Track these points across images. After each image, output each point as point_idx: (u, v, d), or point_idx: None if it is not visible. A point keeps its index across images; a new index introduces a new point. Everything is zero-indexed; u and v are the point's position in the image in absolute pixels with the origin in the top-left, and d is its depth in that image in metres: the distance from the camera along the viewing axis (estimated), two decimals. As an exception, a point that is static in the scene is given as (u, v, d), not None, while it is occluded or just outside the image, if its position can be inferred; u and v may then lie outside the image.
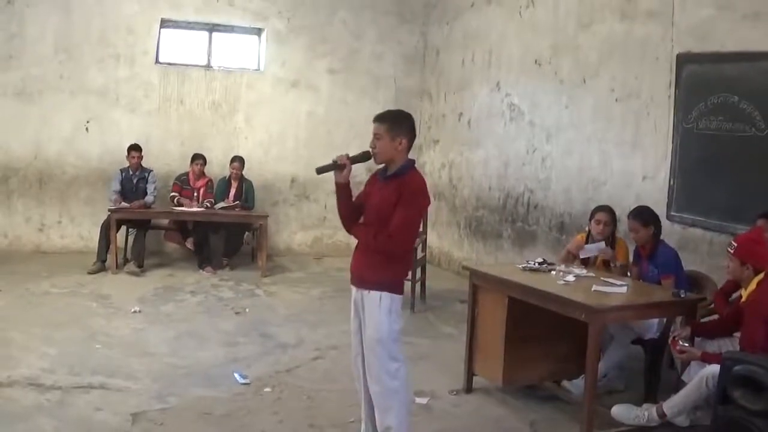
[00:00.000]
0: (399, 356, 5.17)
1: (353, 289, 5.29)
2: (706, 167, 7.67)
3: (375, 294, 5.06)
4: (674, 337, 5.81)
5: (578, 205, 9.38)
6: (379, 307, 5.04)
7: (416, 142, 5.46)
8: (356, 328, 5.29)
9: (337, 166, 5.11)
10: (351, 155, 5.13)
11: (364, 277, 5.15)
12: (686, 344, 5.69)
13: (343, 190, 5.21)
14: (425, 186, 5.14)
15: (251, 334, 8.42)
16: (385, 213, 4.98)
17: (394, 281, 5.11)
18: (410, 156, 5.14)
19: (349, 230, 5.32)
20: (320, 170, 5.21)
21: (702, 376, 5.37)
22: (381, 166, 5.23)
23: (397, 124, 5.10)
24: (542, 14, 10.43)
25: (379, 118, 5.14)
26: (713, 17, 7.60)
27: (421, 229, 9.19)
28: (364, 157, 5.16)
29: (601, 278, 6.53)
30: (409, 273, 8.64)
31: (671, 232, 7.41)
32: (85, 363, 7.11)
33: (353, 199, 5.30)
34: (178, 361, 7.38)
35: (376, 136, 5.09)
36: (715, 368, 5.17)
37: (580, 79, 9.59)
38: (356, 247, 5.30)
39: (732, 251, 5.88)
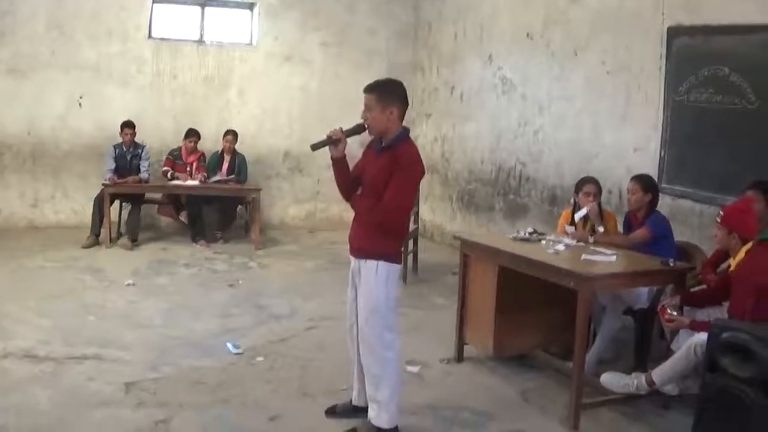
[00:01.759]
0: (394, 327, 5.21)
1: (352, 259, 5.31)
2: (696, 139, 7.70)
3: (372, 263, 5.08)
4: (663, 305, 5.86)
5: (569, 178, 9.35)
6: (375, 275, 5.07)
7: (409, 115, 5.46)
8: (352, 298, 5.33)
9: (331, 141, 5.09)
10: (345, 129, 5.12)
11: (361, 247, 5.18)
12: (674, 313, 5.73)
13: (339, 163, 5.20)
14: (418, 156, 5.12)
15: (244, 305, 8.47)
16: (381, 185, 4.98)
17: (391, 250, 5.13)
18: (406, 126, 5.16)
19: (347, 201, 5.34)
20: (315, 146, 5.20)
21: (690, 344, 5.40)
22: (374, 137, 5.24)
23: (387, 93, 5.07)
24: (534, -14, 10.41)
25: (369, 89, 5.11)
26: (704, -10, 7.62)
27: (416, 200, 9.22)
28: (357, 129, 5.14)
29: (591, 248, 6.58)
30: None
31: (662, 204, 7.40)
32: (79, 334, 7.18)
33: (350, 170, 5.30)
34: (172, 332, 7.44)
35: (367, 107, 5.07)
36: (703, 336, 5.19)
37: (572, 51, 9.59)
38: (354, 217, 5.33)
39: (719, 220, 5.92)
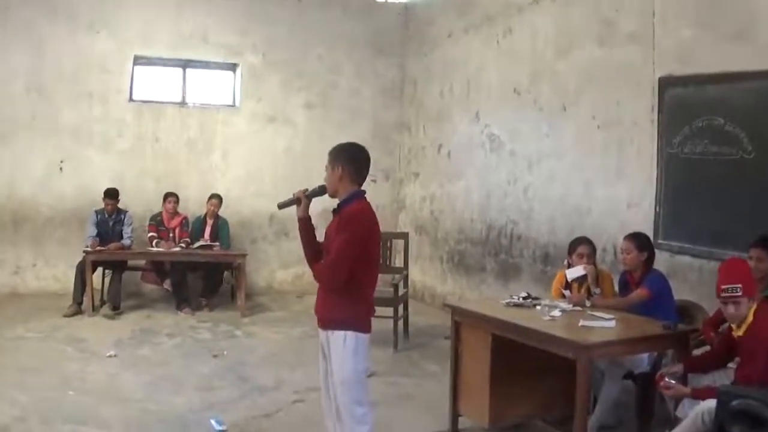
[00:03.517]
0: (364, 400, 5.05)
1: (319, 331, 5.19)
2: (692, 192, 7.52)
3: (339, 333, 4.96)
4: (661, 374, 5.58)
5: (562, 236, 9.16)
6: (343, 346, 4.95)
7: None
8: (324, 371, 5.19)
9: (295, 201, 5.13)
10: (309, 190, 5.14)
11: (327, 317, 5.08)
12: (673, 381, 5.45)
13: (303, 224, 5.18)
14: (364, 212, 5.04)
15: (228, 377, 8.18)
16: (331, 246, 4.94)
17: (357, 319, 5.01)
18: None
19: (311, 267, 5.22)
20: (281, 205, 5.32)
21: (697, 412, 5.12)
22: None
23: (337, 153, 5.12)
24: (520, 42, 10.32)
25: (328, 153, 5.16)
26: (695, 38, 7.48)
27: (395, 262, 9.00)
28: (319, 191, 5.20)
29: (588, 312, 6.35)
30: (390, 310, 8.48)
31: (659, 260, 7.18)
32: (58, 410, 6.87)
33: (314, 233, 5.24)
34: (153, 407, 7.12)
35: (326, 169, 5.13)
36: (710, 403, 4.94)
37: (560, 106, 9.46)
38: (318, 288, 5.22)
39: (741, 293, 5.59)
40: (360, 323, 5.01)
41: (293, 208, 5.20)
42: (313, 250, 5.16)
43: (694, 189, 7.49)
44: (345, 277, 4.89)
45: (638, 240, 6.86)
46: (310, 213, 5.19)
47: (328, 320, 5.06)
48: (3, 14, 11.74)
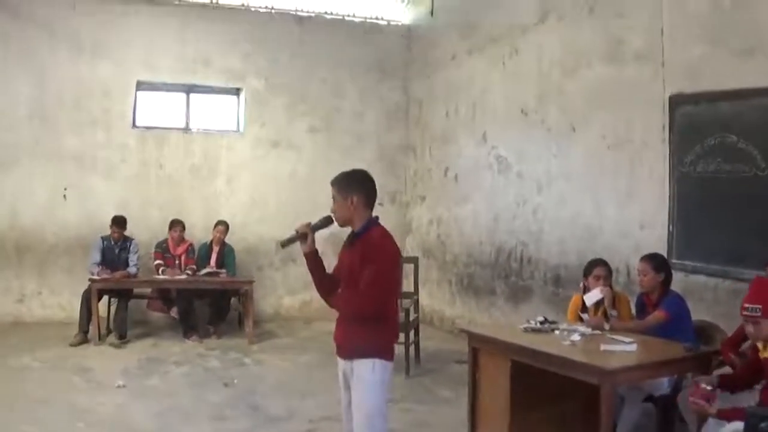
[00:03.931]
0: (385, 430, 4.92)
1: (340, 361, 5.04)
2: (706, 211, 7.41)
3: (367, 362, 4.83)
4: (696, 381, 5.45)
5: (574, 258, 9.08)
6: (372, 375, 4.82)
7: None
8: (346, 402, 5.03)
9: (299, 237, 4.98)
10: (313, 222, 5.00)
11: (353, 347, 4.91)
12: (709, 387, 5.34)
13: (310, 259, 5.03)
14: (387, 239, 4.95)
15: (240, 406, 8.06)
16: (356, 277, 4.81)
17: (383, 346, 4.91)
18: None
19: (327, 302, 5.13)
20: (284, 243, 5.13)
21: (724, 434, 5.03)
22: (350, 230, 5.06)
23: (346, 183, 5.01)
24: (526, 62, 10.25)
25: (332, 182, 5.07)
26: (705, 55, 7.39)
27: (404, 286, 8.90)
28: (325, 222, 5.05)
29: (608, 335, 6.24)
30: (401, 336, 8.36)
31: (674, 281, 7.06)
32: (68, 444, 6.71)
33: (329, 270, 5.12)
34: (164, 440, 6.99)
35: (333, 199, 5.00)
36: (736, 426, 4.83)
37: (569, 127, 9.37)
38: (338, 318, 5.09)
39: (759, 314, 5.50)
40: (386, 351, 4.91)
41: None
42: (325, 283, 5.07)
43: (708, 208, 7.38)
44: (378, 307, 4.82)
45: (655, 261, 6.75)
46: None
47: (352, 350, 4.91)
48: (4, 41, 11.73)
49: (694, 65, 7.52)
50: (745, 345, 6.01)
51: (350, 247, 4.97)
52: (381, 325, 4.89)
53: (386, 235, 4.96)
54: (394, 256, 4.96)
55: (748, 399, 5.40)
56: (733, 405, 5.30)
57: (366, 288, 4.73)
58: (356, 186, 4.97)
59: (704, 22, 7.43)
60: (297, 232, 4.98)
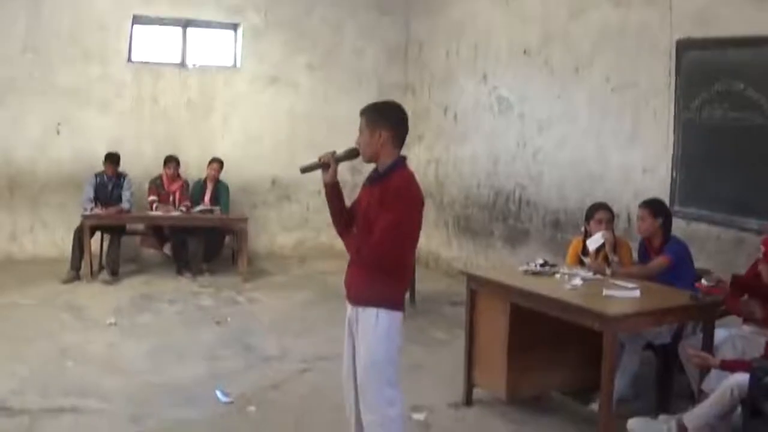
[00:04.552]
0: (395, 380, 4.66)
1: (348, 306, 4.79)
2: (710, 159, 7.32)
3: (371, 311, 4.56)
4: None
5: (573, 202, 9.01)
6: (375, 325, 4.55)
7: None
8: (350, 349, 4.80)
9: (320, 165, 4.67)
10: (338, 153, 4.69)
11: (358, 293, 4.67)
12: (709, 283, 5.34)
13: (331, 190, 4.71)
14: (411, 185, 4.61)
15: (233, 346, 7.99)
16: (371, 220, 4.52)
17: (392, 296, 4.61)
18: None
19: (341, 235, 4.82)
20: (304, 169, 4.77)
21: (727, 386, 4.95)
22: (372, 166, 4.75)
23: (376, 115, 4.63)
24: (531, 2, 10.07)
25: (361, 111, 4.70)
26: (714, 0, 7.23)
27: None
28: (351, 154, 4.72)
29: (610, 281, 6.14)
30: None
31: (675, 228, 7.00)
32: (57, 383, 6.67)
33: (348, 204, 4.82)
34: (156, 378, 6.92)
35: (360, 131, 4.65)
36: (740, 377, 4.79)
37: (573, 68, 9.22)
38: (350, 259, 4.80)
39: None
40: (394, 301, 4.62)
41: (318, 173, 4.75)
42: (343, 218, 4.79)
43: (713, 155, 7.29)
44: (392, 259, 4.54)
45: (653, 207, 6.71)
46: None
47: (359, 296, 4.67)
48: (-3, -28, 11.45)
49: (703, 10, 7.38)
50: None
51: (370, 187, 4.67)
52: (393, 275, 4.61)
53: (411, 179, 4.64)
54: (416, 204, 4.59)
55: (753, 352, 5.35)
56: (738, 357, 5.26)
57: (381, 238, 4.44)
58: (387, 120, 4.63)
59: (714, -34, 7.28)
60: (320, 159, 4.69)
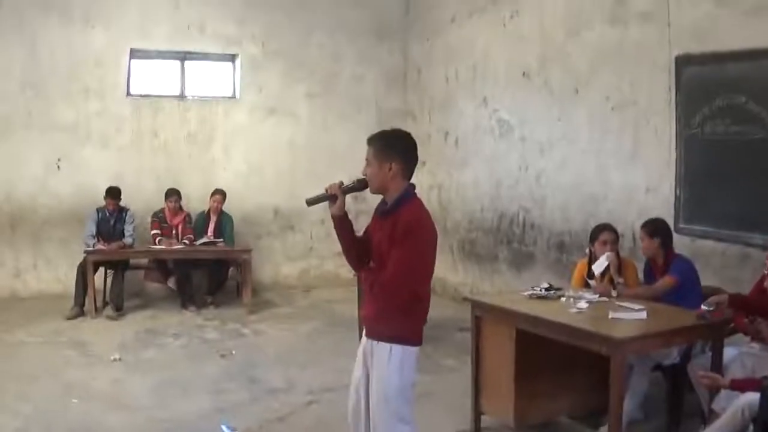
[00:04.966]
0: (408, 417, 4.54)
1: (363, 337, 4.69)
2: (714, 174, 7.28)
3: (385, 345, 4.45)
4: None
5: (577, 223, 8.99)
6: (389, 360, 4.43)
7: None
8: (359, 380, 4.67)
9: (328, 197, 4.52)
10: (345, 184, 4.54)
11: (373, 327, 4.58)
12: (710, 308, 5.26)
13: (340, 223, 4.59)
14: (422, 219, 4.45)
15: (238, 378, 7.94)
16: (384, 255, 4.40)
17: (406, 331, 4.47)
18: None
19: (356, 270, 4.77)
20: (310, 202, 4.63)
21: (738, 406, 4.88)
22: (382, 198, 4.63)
23: (386, 146, 4.48)
24: (527, 24, 10.07)
25: (368, 141, 4.56)
26: (712, 15, 7.23)
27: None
28: (358, 185, 4.55)
29: (616, 303, 6.10)
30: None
31: (680, 246, 6.97)
32: (61, 420, 6.61)
33: (359, 233, 4.70)
34: (161, 413, 6.86)
35: (367, 161, 4.51)
36: (751, 397, 4.70)
37: (572, 89, 9.22)
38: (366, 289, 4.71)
39: None
40: (408, 336, 4.49)
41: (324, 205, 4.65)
42: (354, 251, 4.66)
43: (716, 171, 7.25)
44: (405, 296, 4.40)
45: (647, 227, 6.73)
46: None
47: (373, 330, 4.57)
48: (-5, 10, 11.48)
49: (701, 25, 7.37)
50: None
51: (382, 221, 4.53)
52: (405, 310, 4.46)
53: (421, 212, 4.49)
54: (428, 240, 4.46)
55: (765, 370, 5.27)
56: (748, 376, 5.19)
57: (392, 274, 4.31)
58: (397, 152, 4.47)
59: (710, -19, 7.26)
60: (326, 191, 4.52)
